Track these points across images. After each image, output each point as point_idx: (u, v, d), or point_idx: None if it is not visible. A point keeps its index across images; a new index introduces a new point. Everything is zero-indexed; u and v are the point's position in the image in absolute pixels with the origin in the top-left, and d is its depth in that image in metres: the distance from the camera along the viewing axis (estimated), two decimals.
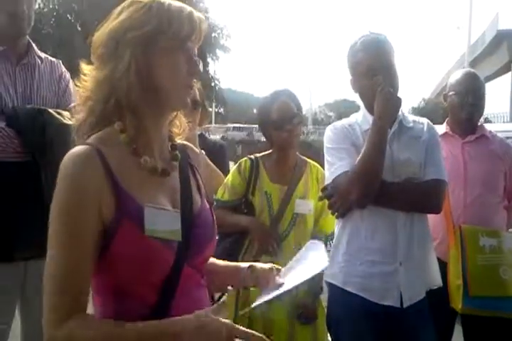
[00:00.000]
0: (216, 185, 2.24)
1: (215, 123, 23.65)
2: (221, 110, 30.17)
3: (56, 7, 22.08)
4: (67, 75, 2.16)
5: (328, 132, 1.98)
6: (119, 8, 1.07)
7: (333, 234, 2.03)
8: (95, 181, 0.97)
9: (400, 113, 1.93)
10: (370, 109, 1.90)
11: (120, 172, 1.00)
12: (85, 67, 1.07)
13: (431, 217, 2.01)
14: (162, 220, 1.01)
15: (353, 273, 1.86)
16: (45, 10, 21.91)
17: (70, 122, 1.80)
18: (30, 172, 1.84)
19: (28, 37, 2.10)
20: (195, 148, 2.13)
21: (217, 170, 2.27)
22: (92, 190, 0.96)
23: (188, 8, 1.07)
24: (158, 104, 1.07)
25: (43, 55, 2.15)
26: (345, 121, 2.01)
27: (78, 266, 0.95)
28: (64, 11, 22.10)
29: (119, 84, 1.01)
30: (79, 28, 21.32)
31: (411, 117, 2.02)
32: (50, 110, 1.94)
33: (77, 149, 0.99)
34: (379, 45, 1.89)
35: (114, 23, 1.03)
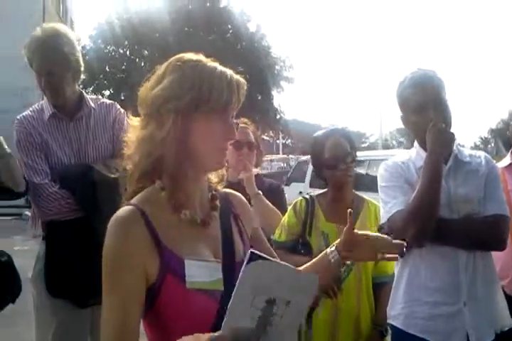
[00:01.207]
0: (274, 226, 2.27)
1: (282, 154, 23.86)
2: (288, 141, 30.36)
3: (127, 53, 23.51)
4: (121, 115, 2.23)
5: (382, 170, 1.96)
6: (162, 69, 1.14)
7: (394, 274, 1.98)
8: (139, 241, 1.04)
9: (455, 148, 1.89)
10: (423, 145, 1.88)
11: (162, 229, 1.07)
12: (132, 119, 1.16)
13: (500, 254, 1.93)
14: (203, 271, 1.06)
15: (414, 314, 1.81)
16: (117, 56, 23.35)
17: (116, 175, 1.95)
18: (87, 226, 1.96)
19: (78, 89, 2.20)
20: (250, 189, 2.21)
21: (276, 210, 2.30)
22: (136, 249, 1.03)
23: (228, 74, 1.11)
24: (194, 165, 1.12)
25: (97, 102, 2.24)
26: (398, 158, 1.99)
27: (125, 327, 1.01)
28: (135, 57, 23.44)
29: (158, 146, 1.08)
30: (146, 72, 22.49)
31: (467, 151, 1.97)
32: (98, 166, 2.05)
33: (122, 210, 1.07)
34: (427, 81, 1.88)
35: (157, 89, 1.10)
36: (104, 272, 1.05)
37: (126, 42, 22.64)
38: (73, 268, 2.00)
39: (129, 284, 1.03)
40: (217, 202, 1.20)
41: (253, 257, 0.87)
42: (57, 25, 2.13)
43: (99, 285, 1.05)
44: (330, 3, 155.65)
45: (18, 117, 2.14)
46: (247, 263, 0.87)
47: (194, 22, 21.93)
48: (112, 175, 2.00)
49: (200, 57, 1.14)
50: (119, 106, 2.28)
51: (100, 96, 2.33)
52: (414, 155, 1.95)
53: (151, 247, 1.04)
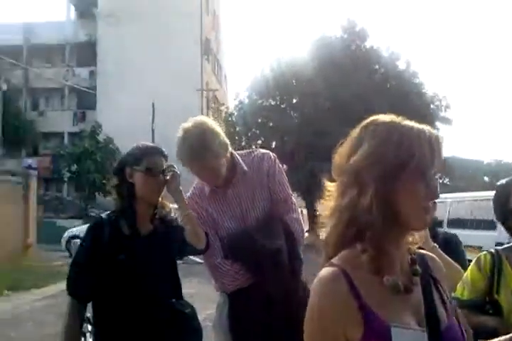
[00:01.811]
0: (455, 282, 2.07)
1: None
2: (446, 181, 28.54)
3: (278, 102, 24.57)
4: (272, 163, 2.26)
5: None
6: (357, 134, 1.12)
7: None
8: (342, 302, 1.02)
9: None
10: None
11: (364, 291, 1.04)
12: (328, 184, 1.16)
13: None
14: (409, 340, 1.01)
15: None
16: (268, 107, 24.48)
17: (277, 245, 2.07)
18: (263, 289, 2.09)
19: (230, 152, 2.21)
20: (425, 243, 2.06)
21: (455, 265, 2.11)
22: (338, 309, 1.02)
23: (427, 132, 1.08)
24: (397, 227, 1.08)
25: (250, 157, 2.27)
26: None
27: None
28: (285, 106, 24.38)
29: (361, 214, 1.05)
30: (295, 120, 23.18)
31: None
32: (260, 237, 2.11)
33: (325, 271, 1.07)
34: None
35: (357, 156, 1.08)
36: (307, 330, 1.06)
37: (277, 93, 23.68)
38: (258, 325, 2.09)
39: None
40: (418, 267, 1.14)
41: None
42: (199, 123, 2.16)
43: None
44: (486, 35, 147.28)
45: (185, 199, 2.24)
46: None
47: (340, 66, 22.20)
48: (274, 246, 2.09)
49: (392, 117, 1.12)
50: (271, 154, 2.30)
51: (254, 147, 2.36)
52: None
53: (354, 308, 1.02)
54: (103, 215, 2.13)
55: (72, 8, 38.82)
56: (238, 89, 78.02)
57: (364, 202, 1.04)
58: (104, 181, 25.97)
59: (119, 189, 2.10)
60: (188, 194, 2.28)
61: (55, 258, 14.45)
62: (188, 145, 2.09)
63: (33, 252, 12.56)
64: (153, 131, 27.74)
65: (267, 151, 2.33)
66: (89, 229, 2.12)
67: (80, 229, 14.76)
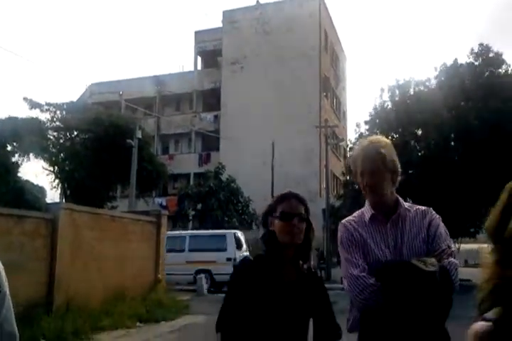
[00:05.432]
0: None
1: None
2: None
3: (400, 134, 23.58)
4: (437, 219, 2.31)
5: None
6: (506, 197, 1.17)
7: None
8: None
9: None
10: None
11: None
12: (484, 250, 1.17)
13: None
14: None
15: None
16: (392, 140, 23.53)
17: (432, 269, 2.02)
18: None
19: (396, 195, 2.35)
20: None
21: None
22: None
23: None
24: None
25: (413, 208, 2.36)
26: None
27: None
28: (408, 138, 23.24)
29: None
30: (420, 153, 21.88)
31: None
32: (414, 261, 2.07)
33: (478, 325, 1.11)
34: None
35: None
36: None
37: (399, 125, 22.93)
38: None
39: None
40: None
41: None
42: (380, 137, 2.47)
43: None
44: None
45: (342, 221, 2.40)
46: None
47: (471, 94, 21.07)
48: (428, 269, 2.03)
49: None
50: (434, 212, 2.35)
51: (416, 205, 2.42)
52: None
53: None
54: (251, 258, 2.24)
55: (199, 58, 41.90)
56: (359, 123, 77.30)
57: None
58: (226, 218, 26.79)
59: (264, 237, 2.21)
60: (347, 218, 2.40)
61: (181, 293, 15.01)
62: (363, 146, 2.34)
63: (162, 287, 13.11)
64: (272, 168, 28.28)
65: (430, 208, 2.39)
66: (236, 270, 2.22)
67: None
